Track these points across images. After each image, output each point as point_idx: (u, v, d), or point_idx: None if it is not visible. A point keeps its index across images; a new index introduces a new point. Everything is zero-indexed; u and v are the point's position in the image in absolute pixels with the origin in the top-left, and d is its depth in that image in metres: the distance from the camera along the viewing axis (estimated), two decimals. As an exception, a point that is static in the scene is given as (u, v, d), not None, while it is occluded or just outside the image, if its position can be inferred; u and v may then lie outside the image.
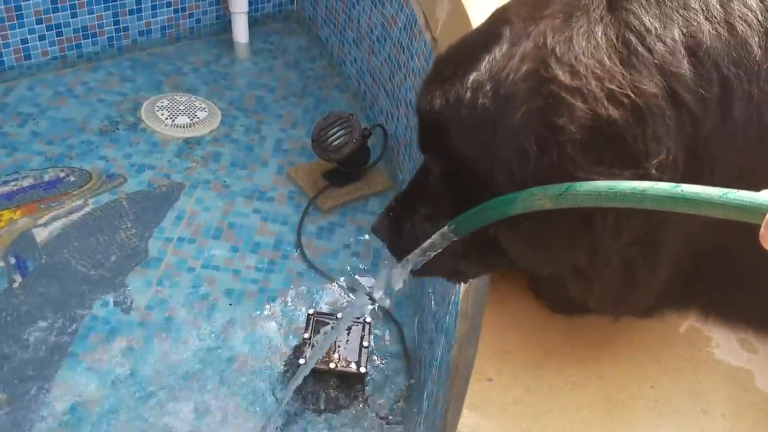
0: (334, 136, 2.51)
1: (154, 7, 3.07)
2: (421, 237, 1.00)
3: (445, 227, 0.96)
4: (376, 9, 2.71)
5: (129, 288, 2.21)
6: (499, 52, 0.87)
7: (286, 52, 3.28)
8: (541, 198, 0.82)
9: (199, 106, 2.90)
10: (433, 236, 1.00)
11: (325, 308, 2.18)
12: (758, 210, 0.66)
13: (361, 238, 2.46)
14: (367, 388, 1.98)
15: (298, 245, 2.40)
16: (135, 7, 3.03)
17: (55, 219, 2.37)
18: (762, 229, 0.66)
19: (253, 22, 3.26)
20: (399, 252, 1.07)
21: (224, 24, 3.24)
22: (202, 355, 2.06)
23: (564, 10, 0.85)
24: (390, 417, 1.94)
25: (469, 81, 0.87)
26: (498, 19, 0.92)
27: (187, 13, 3.17)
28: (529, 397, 0.96)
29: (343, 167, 2.58)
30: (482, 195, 0.88)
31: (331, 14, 3.11)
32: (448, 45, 0.99)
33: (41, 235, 2.31)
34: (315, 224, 2.50)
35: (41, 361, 1.99)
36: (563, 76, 0.81)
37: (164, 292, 2.21)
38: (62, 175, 2.54)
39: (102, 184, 2.53)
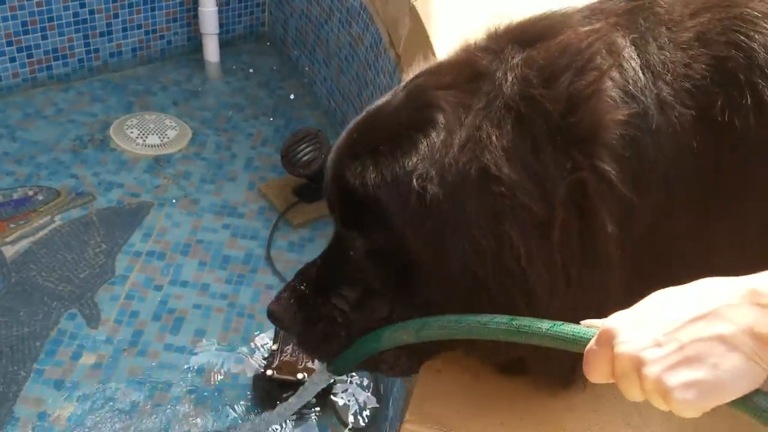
0: (303, 152, 2.55)
1: (125, 29, 3.11)
2: (349, 328, 0.95)
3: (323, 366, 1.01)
4: (343, 29, 2.77)
5: (97, 303, 2.21)
6: (437, 138, 0.84)
7: (258, 72, 3.33)
8: (404, 333, 0.88)
9: (169, 125, 2.93)
10: (313, 376, 1.06)
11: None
12: (579, 341, 0.73)
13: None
14: (334, 397, 2.00)
15: (268, 259, 2.42)
16: (106, 29, 3.06)
17: (22, 237, 2.37)
18: (584, 365, 0.70)
19: (225, 44, 3.30)
20: (316, 347, 1.01)
21: (195, 45, 3.29)
22: (171, 369, 2.06)
23: (490, 102, 0.84)
24: (355, 425, 1.96)
25: (410, 164, 0.84)
26: (424, 102, 0.88)
27: (158, 34, 3.21)
28: (477, 384, 1.00)
29: (313, 182, 2.62)
30: (428, 281, 0.87)
31: (301, 35, 3.17)
32: (365, 111, 0.94)
33: (9, 252, 2.31)
34: (285, 239, 2.52)
35: (8, 376, 1.98)
36: (510, 174, 0.80)
37: (132, 306, 2.22)
38: (30, 193, 2.54)
39: (71, 201, 2.54)
